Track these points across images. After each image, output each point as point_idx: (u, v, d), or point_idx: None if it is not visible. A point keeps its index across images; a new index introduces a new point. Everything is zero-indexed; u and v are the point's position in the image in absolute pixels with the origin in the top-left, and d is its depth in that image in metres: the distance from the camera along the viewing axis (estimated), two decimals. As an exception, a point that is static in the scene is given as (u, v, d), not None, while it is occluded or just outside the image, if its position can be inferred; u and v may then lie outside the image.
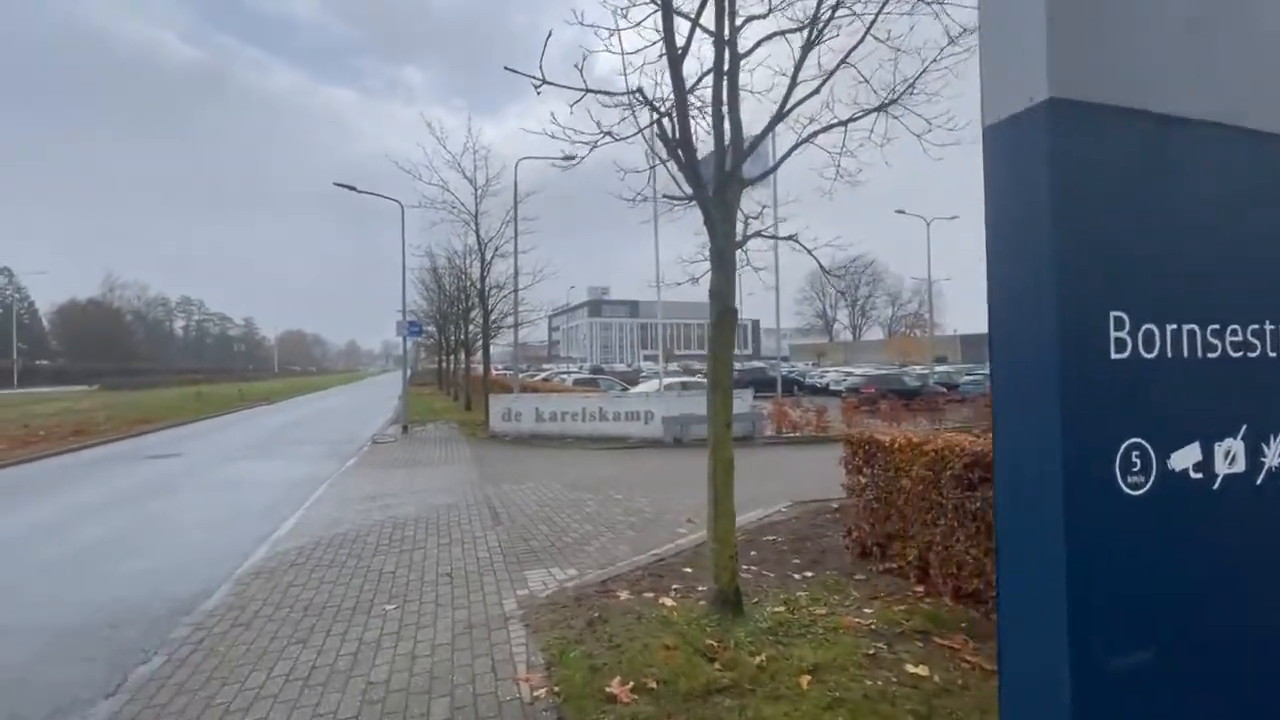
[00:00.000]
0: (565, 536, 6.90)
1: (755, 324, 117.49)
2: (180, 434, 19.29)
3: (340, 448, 15.21)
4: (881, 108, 4.96)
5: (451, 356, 36.60)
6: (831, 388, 34.04)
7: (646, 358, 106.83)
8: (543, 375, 32.89)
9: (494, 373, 21.87)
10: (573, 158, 18.68)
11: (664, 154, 4.78)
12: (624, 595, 4.87)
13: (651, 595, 4.89)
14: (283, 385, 60.70)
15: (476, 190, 17.92)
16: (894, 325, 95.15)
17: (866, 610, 4.64)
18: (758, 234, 4.82)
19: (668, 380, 18.74)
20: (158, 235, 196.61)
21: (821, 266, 4.84)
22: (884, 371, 30.90)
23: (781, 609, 4.63)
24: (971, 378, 29.01)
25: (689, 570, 5.60)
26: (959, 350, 73.10)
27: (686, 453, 13.72)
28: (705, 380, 19.45)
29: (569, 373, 33.54)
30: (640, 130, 4.88)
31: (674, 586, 5.12)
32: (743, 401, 16.10)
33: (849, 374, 35.26)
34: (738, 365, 54.92)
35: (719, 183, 4.45)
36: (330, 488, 10.08)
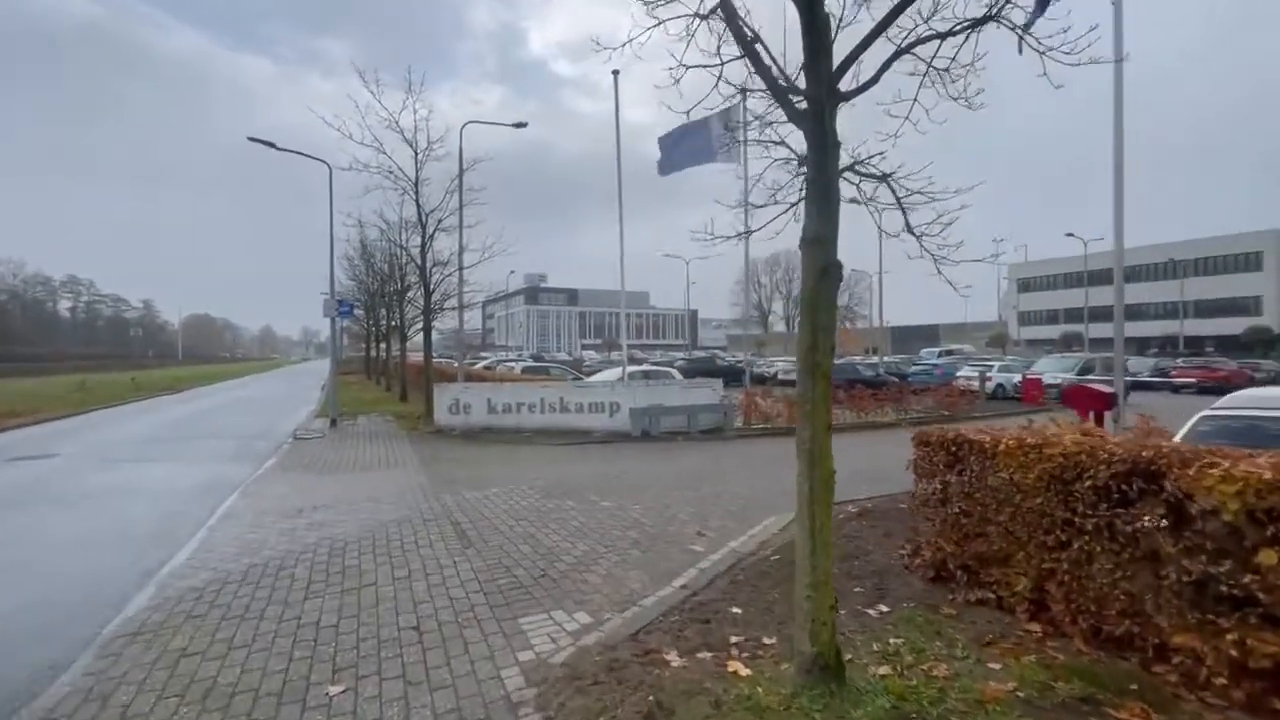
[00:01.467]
0: (558, 562, 5.49)
1: (693, 314, 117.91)
2: (60, 429, 16.31)
3: (255, 445, 13.02)
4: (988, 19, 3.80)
5: (382, 343, 33.80)
6: (780, 377, 33.71)
7: (585, 347, 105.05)
8: (484, 363, 30.78)
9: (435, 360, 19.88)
10: (523, 123, 16.67)
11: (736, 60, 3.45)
12: (674, 659, 3.55)
13: (711, 656, 3.60)
14: (188, 373, 55.17)
15: (417, 154, 15.92)
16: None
17: (993, 666, 3.53)
18: (853, 166, 3.57)
19: (631, 369, 17.41)
20: (36, 206, 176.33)
21: (908, 225, 3.67)
22: (841, 363, 30.70)
23: (886, 669, 3.46)
24: (919, 367, 29.25)
25: (738, 611, 4.34)
26: (888, 342, 75.72)
27: (659, 448, 12.50)
28: (665, 370, 18.24)
29: (515, 360, 31.63)
30: (709, 13, 3.52)
31: (733, 639, 3.84)
32: (713, 391, 15.05)
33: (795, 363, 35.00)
34: (677, 356, 54.34)
35: (817, 94, 3.17)
36: (243, 498, 8.19)
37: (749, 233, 4.39)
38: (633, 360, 46.74)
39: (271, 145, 16.41)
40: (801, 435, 3.28)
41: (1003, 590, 4.25)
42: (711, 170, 16.13)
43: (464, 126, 17.25)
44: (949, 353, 51.34)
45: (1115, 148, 8.71)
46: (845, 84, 3.34)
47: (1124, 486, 3.57)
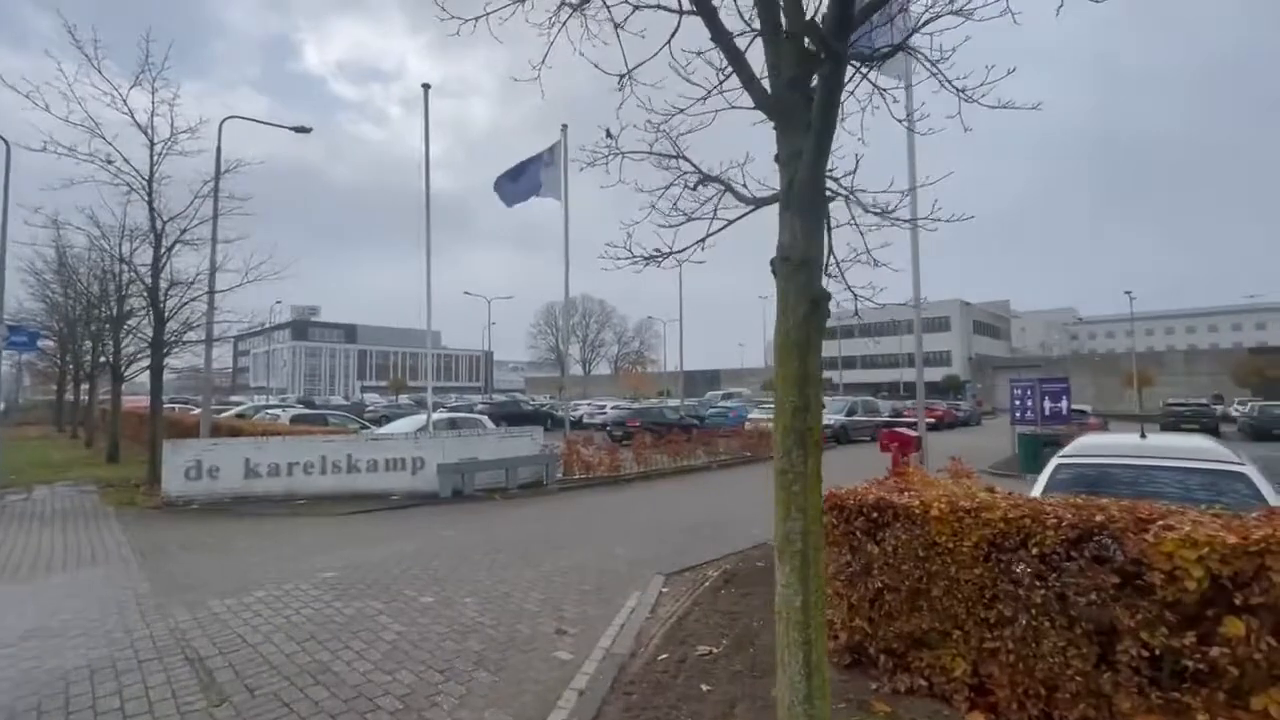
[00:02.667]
0: (373, 714, 3.80)
1: (488, 355, 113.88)
2: None
3: None
4: None
5: (85, 384, 25.99)
6: (585, 421, 33.28)
7: (367, 389, 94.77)
8: (235, 411, 25.17)
9: (165, 407, 15.27)
10: (306, 128, 14.14)
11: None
12: None
13: None
14: None
15: (154, 144, 12.36)
16: (620, 361, 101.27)
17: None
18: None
19: (436, 416, 15.24)
20: None
21: (868, 252, 3.11)
22: (646, 405, 31.16)
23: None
24: (715, 410, 31.01)
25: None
26: (680, 385, 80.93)
27: (476, 511, 10.79)
28: (475, 417, 16.40)
29: (279, 407, 26.41)
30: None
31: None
32: (533, 441, 13.75)
33: (601, 407, 34.98)
34: (476, 400, 51.61)
35: (838, 48, 2.38)
36: None
37: (667, 254, 3.45)
38: (424, 405, 42.69)
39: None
40: (787, 529, 2.36)
41: (937, 676, 3.75)
42: (498, 209, 15.18)
43: (224, 121, 14.05)
44: (730, 395, 56.11)
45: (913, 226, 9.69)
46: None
47: (1073, 553, 3.28)
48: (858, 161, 2.68)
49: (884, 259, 3.14)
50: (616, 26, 3.92)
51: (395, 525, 9.53)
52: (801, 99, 2.42)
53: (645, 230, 3.69)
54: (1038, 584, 3.35)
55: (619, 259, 3.22)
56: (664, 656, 4.53)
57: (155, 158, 12.39)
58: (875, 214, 2.84)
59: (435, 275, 13.84)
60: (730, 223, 3.05)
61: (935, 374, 63.43)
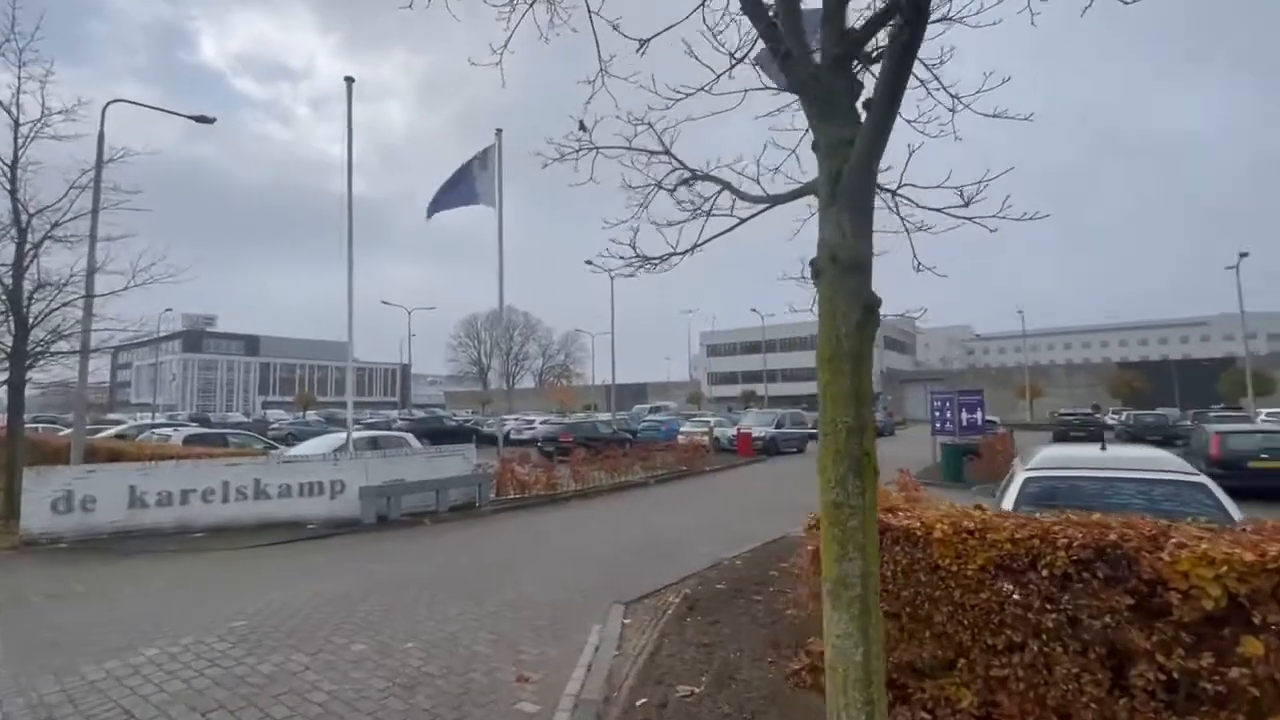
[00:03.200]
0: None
1: (405, 369, 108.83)
2: None
3: None
4: None
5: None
6: (514, 437, 32.20)
7: (270, 405, 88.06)
8: (114, 431, 22.35)
9: (28, 427, 13.10)
10: (209, 118, 12.91)
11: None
12: None
13: None
14: None
15: (18, 126, 10.72)
16: (544, 375, 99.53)
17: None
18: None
19: (357, 435, 14.04)
20: None
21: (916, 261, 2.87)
22: (578, 419, 30.39)
23: None
24: (647, 423, 30.82)
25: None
26: (612, 399, 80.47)
27: (405, 539, 9.93)
28: (399, 435, 15.40)
29: (171, 426, 23.73)
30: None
31: None
32: (465, 460, 12.95)
33: (530, 422, 34.00)
34: (393, 415, 49.01)
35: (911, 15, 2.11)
36: None
37: (666, 255, 3.09)
38: (336, 421, 39.78)
39: None
40: (843, 571, 2.04)
41: (941, 708, 3.55)
42: (414, 219, 14.42)
43: (108, 105, 12.49)
44: (657, 409, 56.32)
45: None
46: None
47: (1085, 574, 3.17)
48: (910, 152, 2.42)
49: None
50: (592, 12, 3.58)
51: (314, 558, 8.54)
52: (845, 82, 2.15)
53: (621, 233, 3.33)
54: (1049, 607, 3.22)
55: (622, 258, 2.83)
56: (643, 701, 4.11)
57: (20, 140, 10.77)
58: (938, 211, 2.58)
59: (343, 286, 12.79)
60: (743, 221, 2.74)
61: (812, 387, 66.57)
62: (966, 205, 2.42)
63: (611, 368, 37.51)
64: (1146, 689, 2.99)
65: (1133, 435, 28.78)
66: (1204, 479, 4.68)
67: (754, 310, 56.31)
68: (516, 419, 35.96)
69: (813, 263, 2.16)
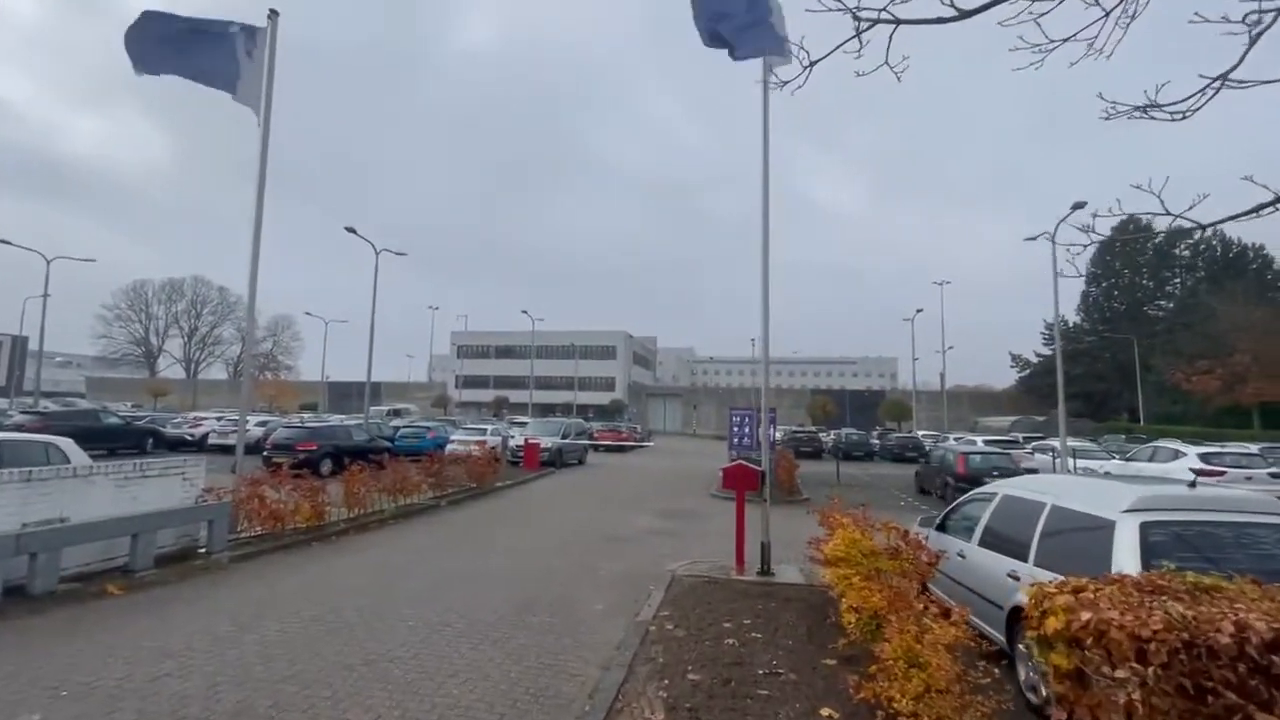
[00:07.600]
0: None
1: (20, 342, 78.58)
2: None
3: None
4: None
5: None
6: (213, 442, 24.57)
7: None
8: None
9: None
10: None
11: None
12: None
13: None
14: None
15: None
16: (239, 365, 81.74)
17: None
18: None
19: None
20: None
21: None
22: (314, 423, 23.94)
23: None
24: (407, 431, 26.21)
25: None
26: (326, 398, 68.95)
27: (40, 634, 5.55)
28: (49, 441, 10.05)
29: None
30: None
31: None
32: (184, 483, 8.53)
33: (243, 424, 26.33)
34: (6, 406, 34.99)
35: None
36: None
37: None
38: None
39: None
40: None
41: None
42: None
43: None
44: (397, 412, 50.03)
45: (762, 268, 8.79)
46: None
47: None
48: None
49: None
50: None
51: None
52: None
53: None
54: None
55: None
56: None
57: None
58: None
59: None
60: None
61: (603, 398, 68.14)
62: None
63: (368, 360, 31.46)
64: None
65: (845, 452, 33.97)
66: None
67: (525, 312, 53.99)
68: (218, 419, 27.70)
69: None
